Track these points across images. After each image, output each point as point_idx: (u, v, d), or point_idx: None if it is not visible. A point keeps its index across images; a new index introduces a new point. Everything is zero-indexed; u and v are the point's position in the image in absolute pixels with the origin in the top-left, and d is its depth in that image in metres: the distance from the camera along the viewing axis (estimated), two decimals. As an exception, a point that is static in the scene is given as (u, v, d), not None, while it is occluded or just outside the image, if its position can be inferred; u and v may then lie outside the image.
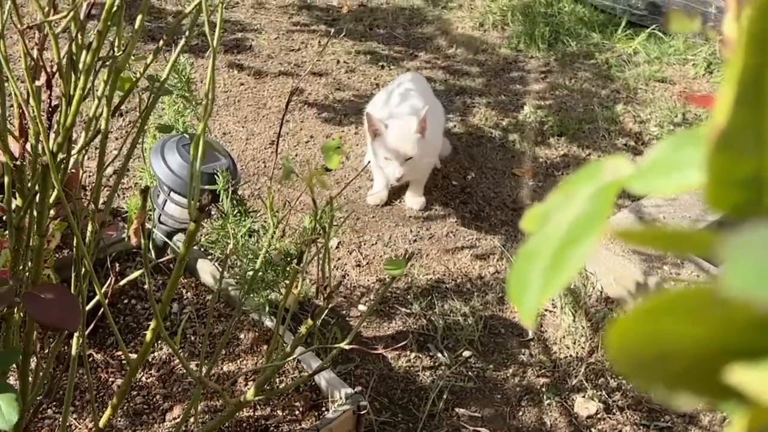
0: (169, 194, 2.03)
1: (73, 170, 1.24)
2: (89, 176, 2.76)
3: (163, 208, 2.09)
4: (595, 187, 0.35)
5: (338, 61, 3.92)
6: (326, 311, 1.43)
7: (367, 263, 2.66)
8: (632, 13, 4.48)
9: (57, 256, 2.19)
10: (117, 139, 3.08)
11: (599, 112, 3.60)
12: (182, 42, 1.15)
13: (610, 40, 4.29)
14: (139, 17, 1.18)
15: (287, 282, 2.03)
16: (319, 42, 4.08)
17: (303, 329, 1.35)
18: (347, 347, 1.32)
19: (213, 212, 2.11)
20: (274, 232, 1.38)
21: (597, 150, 3.36)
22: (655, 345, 0.24)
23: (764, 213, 0.26)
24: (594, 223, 0.32)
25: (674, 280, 2.38)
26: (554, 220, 0.35)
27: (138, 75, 1.25)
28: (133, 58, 1.23)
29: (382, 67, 3.91)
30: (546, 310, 2.53)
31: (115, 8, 1.03)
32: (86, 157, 2.32)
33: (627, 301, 2.51)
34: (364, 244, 2.74)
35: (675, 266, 2.45)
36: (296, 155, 3.17)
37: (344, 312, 2.45)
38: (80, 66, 1.07)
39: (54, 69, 1.03)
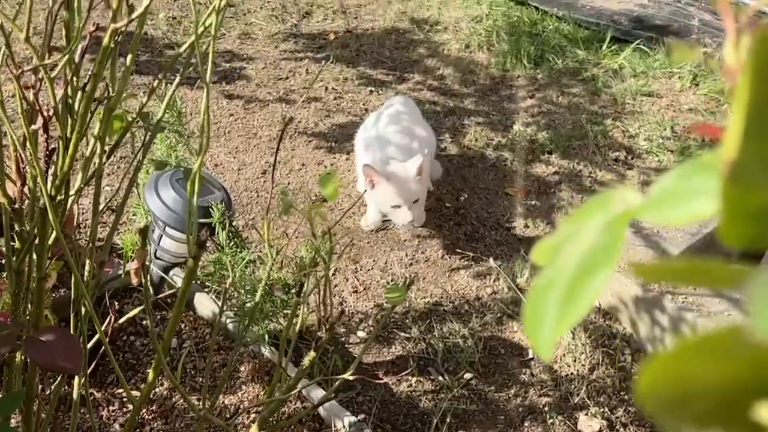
0: (164, 229, 2.02)
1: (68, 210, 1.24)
2: (83, 213, 2.76)
3: (158, 244, 2.08)
4: (606, 218, 0.35)
5: (327, 88, 3.93)
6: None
7: (365, 289, 2.65)
8: (616, 29, 4.51)
9: (53, 295, 2.19)
10: (109, 175, 3.08)
11: (588, 127, 3.62)
12: (177, 80, 1.15)
13: (595, 56, 4.32)
14: (129, 56, 1.18)
15: (287, 312, 2.03)
16: (307, 70, 4.10)
17: (306, 362, 1.35)
18: (351, 378, 1.31)
19: (209, 245, 2.11)
20: (272, 265, 1.38)
21: (588, 165, 3.37)
22: (684, 385, 0.24)
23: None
24: (608, 256, 0.33)
25: (672, 294, 2.38)
26: (566, 252, 0.35)
27: (129, 110, 1.26)
28: (124, 95, 1.24)
29: (371, 91, 3.93)
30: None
31: (109, 50, 1.03)
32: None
33: (625, 316, 2.51)
34: (361, 270, 2.74)
35: (672, 279, 2.45)
36: (289, 183, 3.17)
37: (343, 339, 2.44)
38: (76, 108, 1.07)
39: (50, 113, 1.03)
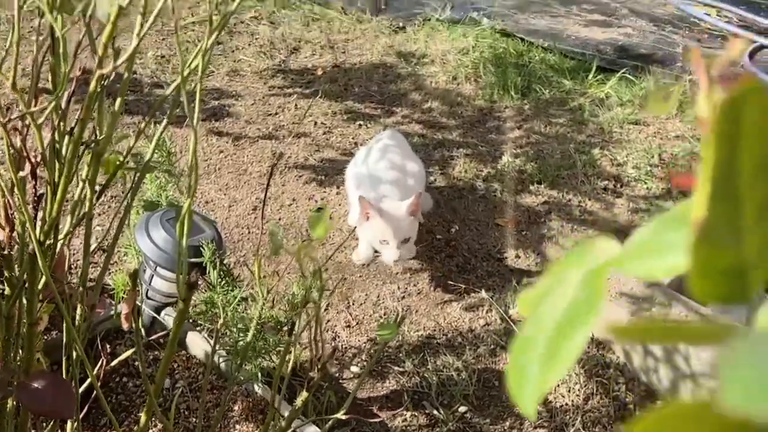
0: (155, 269, 2.02)
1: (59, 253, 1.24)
2: (74, 254, 2.75)
3: (150, 284, 2.08)
4: (585, 270, 0.35)
5: (316, 123, 3.95)
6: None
7: (357, 323, 2.65)
8: (602, 58, 4.56)
9: (45, 338, 2.18)
10: (100, 215, 3.08)
11: (576, 157, 3.64)
12: (165, 121, 1.16)
13: (582, 85, 4.36)
14: (118, 99, 1.19)
15: (279, 349, 2.02)
16: (296, 105, 4.12)
17: (299, 402, 1.35)
18: (344, 417, 1.31)
19: (200, 283, 2.11)
20: (264, 303, 1.38)
21: (577, 195, 3.39)
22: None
23: (750, 301, 0.27)
24: (588, 311, 0.33)
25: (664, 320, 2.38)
26: (547, 306, 0.35)
27: (120, 152, 1.26)
28: (115, 136, 1.24)
29: (360, 125, 3.95)
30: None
31: (96, 95, 1.04)
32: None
33: (618, 346, 2.51)
34: (353, 304, 2.74)
35: (663, 307, 2.46)
36: (280, 219, 3.17)
37: (337, 374, 2.44)
38: (63, 152, 1.08)
39: (38, 159, 1.04)
